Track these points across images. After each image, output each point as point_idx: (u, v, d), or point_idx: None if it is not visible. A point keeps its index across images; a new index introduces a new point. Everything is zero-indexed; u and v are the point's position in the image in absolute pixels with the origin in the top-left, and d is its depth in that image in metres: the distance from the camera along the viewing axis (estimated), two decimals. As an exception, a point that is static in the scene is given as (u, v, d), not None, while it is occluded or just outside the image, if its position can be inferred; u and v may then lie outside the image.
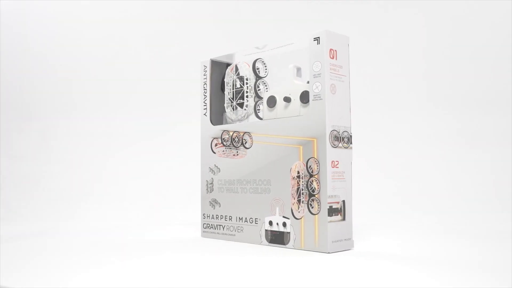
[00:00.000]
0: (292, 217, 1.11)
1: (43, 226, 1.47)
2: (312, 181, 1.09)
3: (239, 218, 1.19)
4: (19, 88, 2.13)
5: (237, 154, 1.18)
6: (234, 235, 1.20)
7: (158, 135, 2.03)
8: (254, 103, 1.18)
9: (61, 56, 2.12)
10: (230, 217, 1.20)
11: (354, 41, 1.86)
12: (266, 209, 1.15)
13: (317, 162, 1.07)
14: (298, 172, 1.11)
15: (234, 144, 1.18)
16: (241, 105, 1.18)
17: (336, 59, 1.08)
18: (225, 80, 1.21)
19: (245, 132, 1.17)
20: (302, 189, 1.10)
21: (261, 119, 1.17)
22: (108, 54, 2.11)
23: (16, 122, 2.11)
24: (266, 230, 1.15)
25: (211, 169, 1.21)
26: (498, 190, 1.78)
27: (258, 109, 1.18)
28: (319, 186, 1.07)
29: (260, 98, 1.18)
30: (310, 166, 1.08)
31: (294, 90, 1.11)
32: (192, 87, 2.01)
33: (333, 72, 1.07)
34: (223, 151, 1.20)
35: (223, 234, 1.22)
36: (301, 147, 1.09)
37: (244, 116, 1.19)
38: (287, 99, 1.11)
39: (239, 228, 1.19)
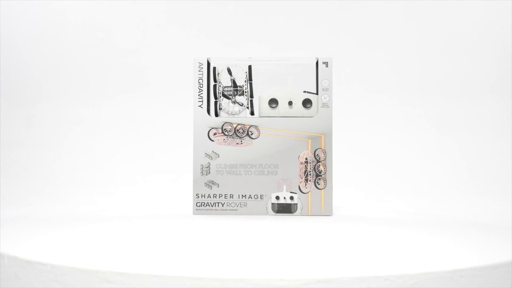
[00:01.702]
0: (300, 192, 1.22)
1: (30, 211, 1.42)
2: (319, 165, 1.21)
3: (242, 195, 1.23)
4: (4, 75, 2.02)
5: (241, 143, 1.24)
6: (237, 209, 1.23)
7: (144, 123, 1.94)
8: (247, 101, 1.27)
9: (47, 43, 2.02)
10: (232, 195, 1.23)
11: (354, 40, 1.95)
12: (273, 187, 1.23)
13: (324, 151, 1.21)
14: (306, 159, 1.21)
15: (238, 134, 1.24)
16: (239, 102, 1.28)
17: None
18: (218, 78, 1.28)
19: (252, 125, 1.24)
20: (310, 171, 1.21)
21: (253, 114, 1.27)
22: (95, 41, 2.02)
23: (1, 109, 2.00)
24: (272, 203, 1.23)
25: (207, 154, 1.24)
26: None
27: (248, 107, 1.28)
28: (325, 169, 1.20)
29: (252, 97, 1.27)
30: (317, 154, 1.21)
31: (295, 97, 1.25)
32: (179, 80, 1.97)
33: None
34: (224, 140, 1.25)
35: (222, 210, 1.23)
36: (309, 140, 1.21)
37: (239, 111, 1.27)
38: (290, 103, 1.24)
39: (242, 203, 1.23)
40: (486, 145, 1.88)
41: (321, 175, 1.22)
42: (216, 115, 1.26)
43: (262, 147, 1.24)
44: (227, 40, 2.00)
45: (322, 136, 1.23)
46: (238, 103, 1.27)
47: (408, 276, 0.60)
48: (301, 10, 2.01)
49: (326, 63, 1.25)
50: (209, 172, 1.24)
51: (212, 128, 1.25)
